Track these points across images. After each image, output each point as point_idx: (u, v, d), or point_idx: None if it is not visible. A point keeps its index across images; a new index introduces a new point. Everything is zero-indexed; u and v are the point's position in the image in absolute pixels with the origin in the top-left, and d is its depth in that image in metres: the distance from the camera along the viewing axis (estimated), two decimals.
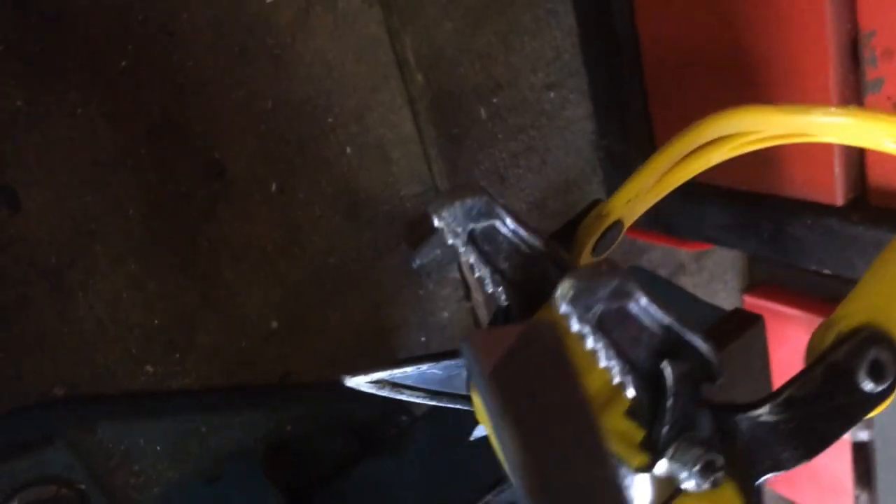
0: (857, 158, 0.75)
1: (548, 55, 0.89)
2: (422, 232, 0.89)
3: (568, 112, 0.93)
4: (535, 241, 0.40)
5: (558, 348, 0.29)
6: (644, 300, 0.32)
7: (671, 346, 0.34)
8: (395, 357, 0.82)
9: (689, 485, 0.34)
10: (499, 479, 0.53)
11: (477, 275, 0.40)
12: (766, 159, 0.80)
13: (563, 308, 0.30)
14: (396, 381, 0.47)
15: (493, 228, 0.39)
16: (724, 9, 0.75)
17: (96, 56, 0.61)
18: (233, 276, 0.72)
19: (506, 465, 0.26)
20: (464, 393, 0.50)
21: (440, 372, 0.48)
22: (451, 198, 0.37)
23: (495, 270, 0.40)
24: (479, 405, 0.49)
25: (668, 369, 0.33)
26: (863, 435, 1.15)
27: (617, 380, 0.33)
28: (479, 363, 0.26)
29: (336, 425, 0.75)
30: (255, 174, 0.71)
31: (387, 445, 0.73)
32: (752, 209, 0.83)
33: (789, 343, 1.00)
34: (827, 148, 0.75)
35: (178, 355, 0.70)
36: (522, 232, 0.40)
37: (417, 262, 0.89)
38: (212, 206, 0.69)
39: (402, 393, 0.48)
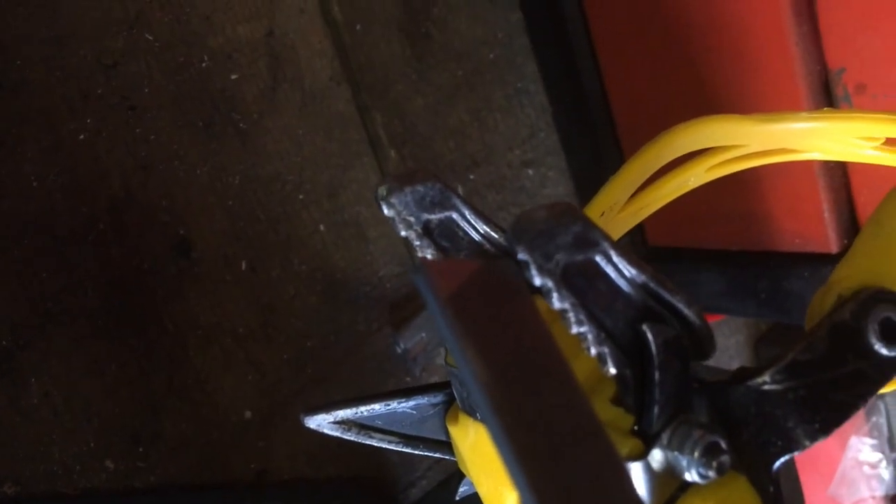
0: (846, 202, 0.73)
1: (523, 133, 0.89)
2: (405, 315, 0.85)
3: (548, 190, 0.91)
4: (500, 239, 0.37)
5: (519, 285, 0.25)
6: (613, 252, 0.28)
7: (651, 311, 0.30)
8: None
9: (691, 475, 0.29)
10: None
11: (420, 291, 0.37)
12: (755, 215, 0.78)
13: (520, 254, 0.27)
14: (364, 421, 0.43)
15: (451, 221, 0.36)
16: (690, 65, 0.76)
17: (54, 127, 0.60)
18: (202, 361, 0.68)
19: (470, 394, 0.22)
20: (441, 438, 0.45)
21: (413, 412, 0.43)
22: (399, 183, 0.34)
23: None
24: (460, 456, 0.44)
25: (649, 333, 0.29)
26: None
27: (593, 350, 0.29)
28: (433, 287, 0.23)
29: None
30: (223, 252, 0.68)
31: None
32: (747, 270, 0.80)
33: None
34: (815, 195, 0.73)
35: (141, 449, 0.65)
36: (485, 227, 0.37)
37: (402, 347, 0.85)
38: (178, 284, 0.66)
39: (371, 437, 0.43)
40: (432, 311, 0.23)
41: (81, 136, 0.61)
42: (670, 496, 0.30)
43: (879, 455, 1.03)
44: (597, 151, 0.91)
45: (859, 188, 0.72)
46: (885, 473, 1.04)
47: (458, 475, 0.46)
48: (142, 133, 0.64)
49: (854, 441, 1.04)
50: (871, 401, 0.99)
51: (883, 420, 1.02)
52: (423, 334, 0.83)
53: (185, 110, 0.66)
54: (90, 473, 0.62)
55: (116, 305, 0.63)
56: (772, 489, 0.30)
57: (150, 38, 0.64)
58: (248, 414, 0.70)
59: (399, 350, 0.81)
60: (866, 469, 1.05)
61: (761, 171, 0.78)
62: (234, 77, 0.68)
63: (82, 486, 0.62)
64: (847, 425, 1.03)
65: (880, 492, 1.05)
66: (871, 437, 1.02)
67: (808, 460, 1.08)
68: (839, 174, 0.72)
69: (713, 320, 1.05)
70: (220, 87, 0.68)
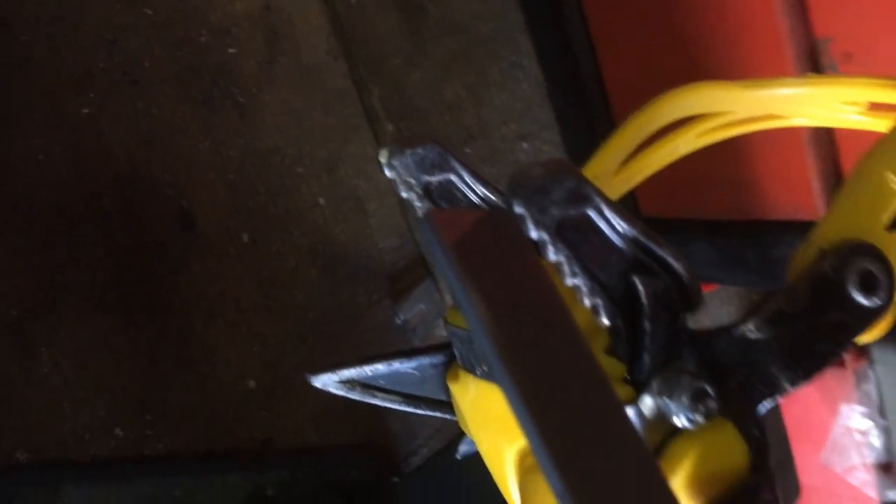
0: (833, 171, 0.74)
1: (518, 107, 0.90)
2: (404, 286, 0.87)
3: None
4: (498, 201, 0.38)
5: (521, 234, 0.26)
6: (605, 207, 0.30)
7: (641, 264, 0.31)
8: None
9: (680, 420, 0.31)
10: None
11: (424, 239, 0.38)
12: (745, 185, 0.79)
13: (517, 207, 0.28)
14: (367, 381, 0.44)
15: (451, 183, 0.37)
16: (680, 35, 0.77)
17: (58, 103, 0.61)
18: (207, 333, 0.69)
19: (474, 340, 0.24)
20: (442, 398, 0.46)
21: (415, 372, 0.45)
22: (401, 146, 0.36)
23: None
24: (460, 413, 0.46)
25: (640, 284, 0.30)
26: (892, 495, 1.09)
27: (587, 302, 0.31)
28: (439, 235, 0.24)
29: (323, 488, 0.71)
30: (225, 224, 0.70)
31: None
32: (736, 239, 0.82)
33: None
34: (803, 164, 0.74)
35: (149, 417, 0.66)
36: (483, 190, 0.38)
37: (402, 317, 0.86)
38: (183, 257, 0.67)
39: (374, 396, 0.44)
40: (437, 259, 0.24)
41: (86, 111, 0.62)
42: (661, 441, 0.32)
43: (869, 423, 1.05)
44: (591, 125, 0.92)
45: (847, 156, 0.73)
46: (875, 440, 1.06)
47: (458, 439, 0.48)
48: (143, 107, 0.65)
49: (845, 409, 1.06)
50: (862, 368, 1.01)
51: (873, 388, 1.04)
52: (422, 305, 0.85)
53: (186, 84, 0.67)
54: (100, 441, 0.64)
55: (123, 279, 0.65)
56: (756, 433, 0.31)
57: (151, 13, 0.65)
58: (252, 384, 0.72)
59: (398, 321, 0.83)
60: (857, 436, 1.07)
61: (750, 141, 0.80)
62: (232, 51, 0.69)
63: (92, 453, 0.64)
64: (838, 393, 1.05)
65: (870, 458, 1.07)
66: (862, 405, 1.04)
67: (801, 428, 1.10)
68: (827, 143, 0.74)
69: (705, 291, 1.07)
70: (219, 62, 0.69)
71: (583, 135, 0.94)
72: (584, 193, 0.29)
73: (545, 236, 0.29)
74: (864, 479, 1.09)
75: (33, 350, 0.60)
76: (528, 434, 0.23)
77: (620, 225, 0.30)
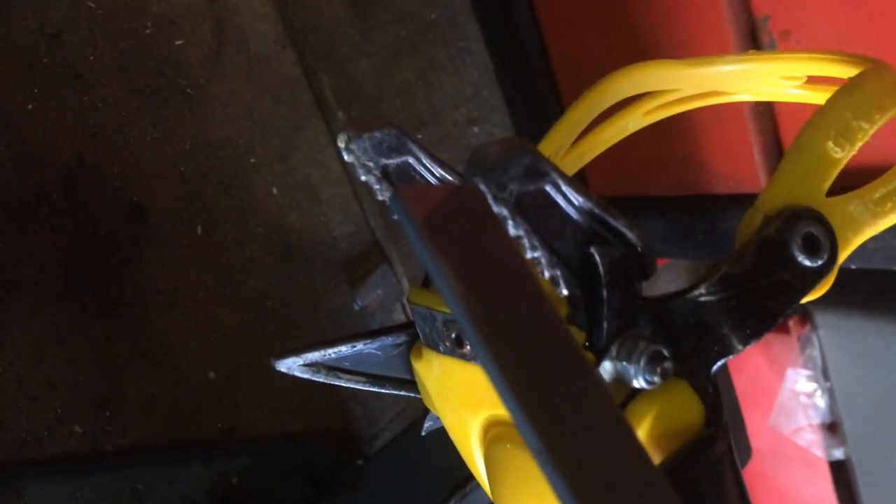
0: (774, 144, 0.77)
1: (467, 91, 0.91)
2: (361, 272, 0.87)
3: None
4: (456, 181, 0.39)
5: (486, 207, 0.27)
6: (562, 182, 0.31)
7: (597, 235, 0.32)
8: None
9: (638, 382, 0.32)
10: (457, 485, 0.50)
11: (395, 217, 0.39)
12: (690, 161, 0.82)
13: (476, 184, 0.29)
14: (331, 363, 0.45)
15: (408, 165, 0.38)
16: (624, 14, 0.78)
17: (1, 99, 0.59)
18: (163, 325, 0.69)
19: (452, 311, 0.24)
20: (406, 377, 0.47)
21: (378, 352, 0.45)
22: (358, 129, 0.36)
23: None
24: (424, 390, 0.46)
25: (597, 255, 0.31)
26: (837, 453, 1.13)
27: (547, 274, 0.32)
28: (409, 211, 0.25)
29: (288, 474, 0.71)
30: (178, 216, 0.69)
31: (342, 486, 0.69)
32: (684, 214, 0.84)
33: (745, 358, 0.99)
34: (745, 139, 0.77)
35: (108, 413, 0.66)
36: (441, 171, 0.39)
37: (360, 303, 0.87)
38: (135, 250, 0.67)
39: (339, 377, 0.45)
40: (409, 234, 0.25)
41: (30, 107, 0.61)
42: (621, 403, 0.33)
43: (814, 385, 1.09)
44: (540, 107, 0.94)
45: (786, 130, 0.76)
46: (821, 402, 1.10)
47: (420, 420, 0.49)
48: (90, 101, 0.64)
49: (790, 373, 1.10)
50: (806, 333, 1.04)
51: (817, 352, 1.08)
52: (380, 290, 0.85)
53: (132, 77, 0.66)
54: (59, 439, 0.63)
55: (75, 273, 0.64)
56: (710, 390, 0.33)
57: (93, 5, 0.64)
58: (211, 374, 0.72)
59: (357, 307, 0.83)
60: (803, 399, 1.11)
61: (695, 118, 0.82)
62: (178, 43, 0.69)
63: (52, 451, 0.63)
64: (784, 358, 1.09)
65: (816, 419, 1.11)
66: (807, 368, 1.08)
67: (749, 394, 1.14)
68: (767, 118, 0.76)
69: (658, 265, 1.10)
70: (165, 53, 0.68)
71: (532, 117, 0.95)
72: (540, 169, 0.30)
73: (504, 212, 0.30)
74: (811, 440, 1.13)
75: None
76: (502, 395, 0.24)
77: (576, 198, 0.32)
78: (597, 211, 0.32)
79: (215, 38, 0.71)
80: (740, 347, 0.33)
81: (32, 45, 0.61)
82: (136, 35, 0.67)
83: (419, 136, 0.87)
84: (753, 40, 0.72)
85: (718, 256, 0.83)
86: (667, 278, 1.20)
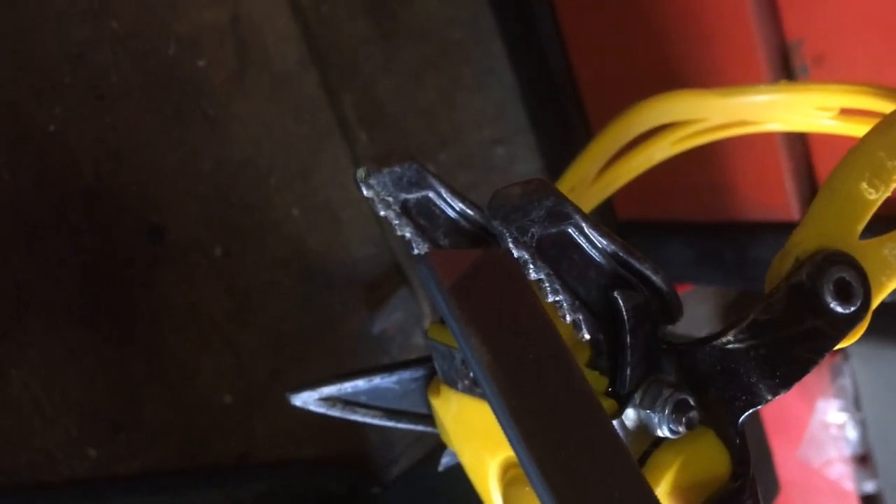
0: (806, 171, 0.75)
1: (491, 111, 0.90)
2: (380, 295, 0.86)
3: (518, 167, 0.93)
4: (477, 216, 0.38)
5: (517, 271, 0.27)
6: (584, 224, 0.30)
7: (621, 278, 0.31)
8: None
9: (662, 431, 0.31)
10: None
11: (416, 252, 0.37)
12: (720, 186, 0.80)
13: (498, 228, 0.28)
14: (348, 397, 0.44)
15: (428, 200, 0.37)
16: (652, 39, 0.77)
17: (23, 120, 0.59)
18: (179, 347, 0.68)
19: (478, 381, 0.24)
20: (423, 412, 0.46)
21: (395, 386, 0.44)
22: (378, 164, 0.35)
23: (435, 247, 0.38)
24: (442, 427, 0.45)
25: (620, 299, 0.30)
26: (869, 486, 1.10)
27: (568, 318, 0.30)
28: (437, 278, 0.24)
29: (302, 500, 0.70)
30: (197, 237, 0.69)
31: None
32: (714, 240, 0.82)
33: None
34: (776, 165, 0.75)
35: (122, 436, 0.65)
36: (461, 205, 0.38)
37: (378, 327, 0.86)
38: (153, 271, 0.66)
39: (355, 412, 0.44)
40: (435, 300, 0.24)
41: (51, 128, 0.61)
42: (644, 451, 0.32)
43: (845, 416, 1.06)
44: (565, 127, 0.92)
45: (819, 157, 0.74)
46: (852, 434, 1.07)
47: (439, 449, 0.48)
48: (111, 121, 0.64)
49: (821, 403, 1.07)
50: (837, 363, 1.02)
51: (848, 382, 1.05)
52: (399, 314, 0.84)
53: (153, 97, 0.66)
54: (73, 462, 0.63)
55: (92, 294, 0.63)
56: (738, 441, 0.31)
57: (116, 26, 0.64)
58: (227, 398, 0.71)
59: (375, 331, 0.82)
60: (833, 430, 1.08)
61: (725, 143, 0.80)
62: (200, 63, 0.68)
63: (66, 474, 0.62)
64: (814, 388, 1.06)
65: (847, 451, 1.08)
66: (838, 398, 1.05)
67: (778, 424, 1.11)
68: (800, 144, 0.74)
69: (682, 291, 1.07)
70: (188, 74, 0.68)
71: (557, 137, 0.94)
72: (563, 211, 0.29)
73: (525, 255, 0.29)
74: (842, 472, 1.10)
75: (2, 371, 0.59)
76: (515, 448, 0.23)
77: (600, 241, 0.30)
78: (621, 254, 0.30)
79: (238, 58, 0.71)
80: (769, 397, 0.31)
81: (55, 65, 0.61)
82: (158, 55, 0.67)
83: (442, 157, 0.86)
84: (785, 64, 0.70)
85: (748, 284, 0.81)
86: (692, 302, 1.18)
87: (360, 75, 0.79)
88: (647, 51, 0.79)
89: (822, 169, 0.74)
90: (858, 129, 0.47)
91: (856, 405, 1.06)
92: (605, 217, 0.93)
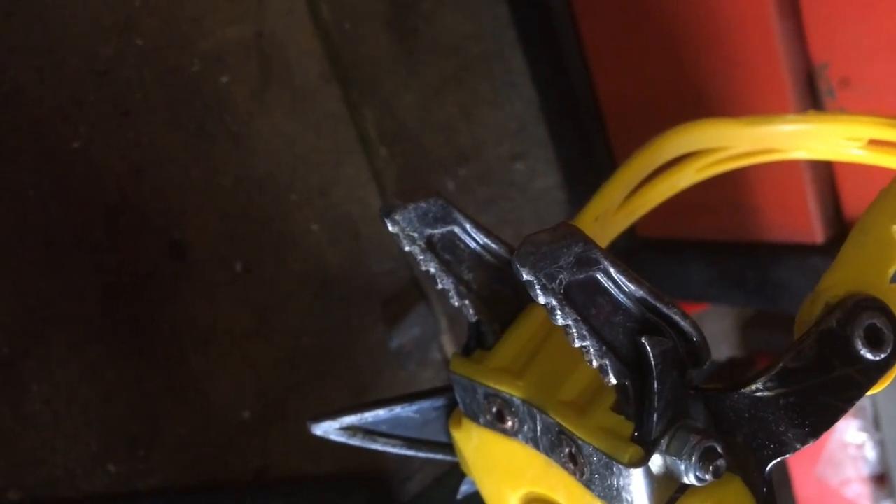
0: (830, 194, 0.74)
1: (511, 126, 0.89)
2: (398, 310, 0.86)
3: (537, 182, 0.92)
4: (500, 250, 0.38)
5: None
6: (613, 269, 0.29)
7: (649, 324, 0.31)
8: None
9: (689, 478, 0.30)
10: None
11: (440, 286, 0.37)
12: (742, 206, 0.79)
13: (526, 276, 0.28)
14: (368, 427, 0.44)
15: (453, 234, 0.37)
16: (676, 57, 0.76)
17: (47, 137, 0.60)
18: (198, 362, 0.68)
19: None
20: (443, 441, 0.46)
21: (416, 416, 0.44)
22: (403, 200, 0.35)
23: (459, 281, 0.38)
24: (462, 457, 0.45)
25: (648, 345, 0.30)
26: None
27: (595, 363, 0.30)
28: None
29: None
30: (218, 253, 0.69)
31: None
32: (735, 260, 0.82)
33: None
34: (800, 188, 0.74)
35: (141, 452, 0.65)
36: (485, 239, 0.38)
37: (396, 343, 0.86)
38: (174, 287, 0.66)
39: (376, 441, 0.44)
40: None
41: (75, 144, 0.61)
42: (670, 498, 0.31)
43: (864, 436, 1.05)
44: (585, 142, 0.92)
45: (844, 180, 0.73)
46: (870, 454, 1.06)
47: (458, 474, 0.47)
48: (134, 138, 0.64)
49: (840, 424, 1.06)
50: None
51: (867, 402, 1.04)
52: (417, 329, 0.84)
53: (177, 114, 0.66)
54: (92, 477, 0.63)
55: (113, 310, 0.64)
56: (765, 489, 0.31)
57: (141, 42, 0.64)
58: (245, 414, 0.71)
59: (393, 346, 0.82)
60: (852, 450, 1.07)
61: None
62: (224, 80, 0.69)
63: (85, 490, 0.63)
64: None
65: (865, 471, 1.07)
66: (857, 418, 1.04)
67: None
68: (824, 167, 0.74)
69: (701, 309, 1.07)
70: (212, 90, 0.68)
71: (577, 152, 0.93)
72: (591, 258, 0.29)
73: (553, 302, 0.29)
74: (859, 492, 1.09)
75: (24, 387, 0.59)
76: None
77: (628, 286, 0.30)
78: (649, 299, 0.30)
79: (261, 74, 0.71)
80: (798, 446, 0.31)
81: (80, 82, 0.62)
82: (183, 72, 0.67)
83: (461, 172, 0.86)
84: (811, 88, 0.69)
85: (770, 305, 0.81)
86: (712, 318, 1.17)
87: (382, 91, 0.79)
88: (669, 68, 0.78)
89: (847, 191, 0.73)
90: (888, 159, 0.46)
91: (875, 425, 1.04)
92: (625, 234, 0.92)
